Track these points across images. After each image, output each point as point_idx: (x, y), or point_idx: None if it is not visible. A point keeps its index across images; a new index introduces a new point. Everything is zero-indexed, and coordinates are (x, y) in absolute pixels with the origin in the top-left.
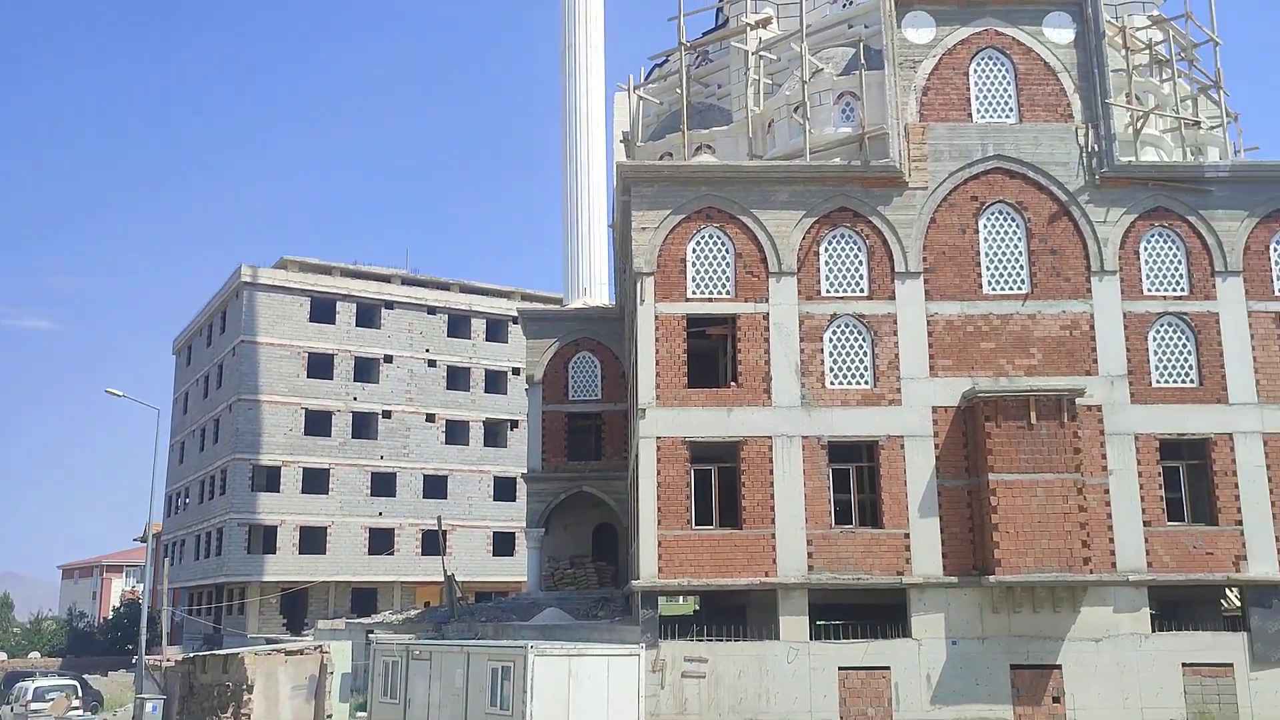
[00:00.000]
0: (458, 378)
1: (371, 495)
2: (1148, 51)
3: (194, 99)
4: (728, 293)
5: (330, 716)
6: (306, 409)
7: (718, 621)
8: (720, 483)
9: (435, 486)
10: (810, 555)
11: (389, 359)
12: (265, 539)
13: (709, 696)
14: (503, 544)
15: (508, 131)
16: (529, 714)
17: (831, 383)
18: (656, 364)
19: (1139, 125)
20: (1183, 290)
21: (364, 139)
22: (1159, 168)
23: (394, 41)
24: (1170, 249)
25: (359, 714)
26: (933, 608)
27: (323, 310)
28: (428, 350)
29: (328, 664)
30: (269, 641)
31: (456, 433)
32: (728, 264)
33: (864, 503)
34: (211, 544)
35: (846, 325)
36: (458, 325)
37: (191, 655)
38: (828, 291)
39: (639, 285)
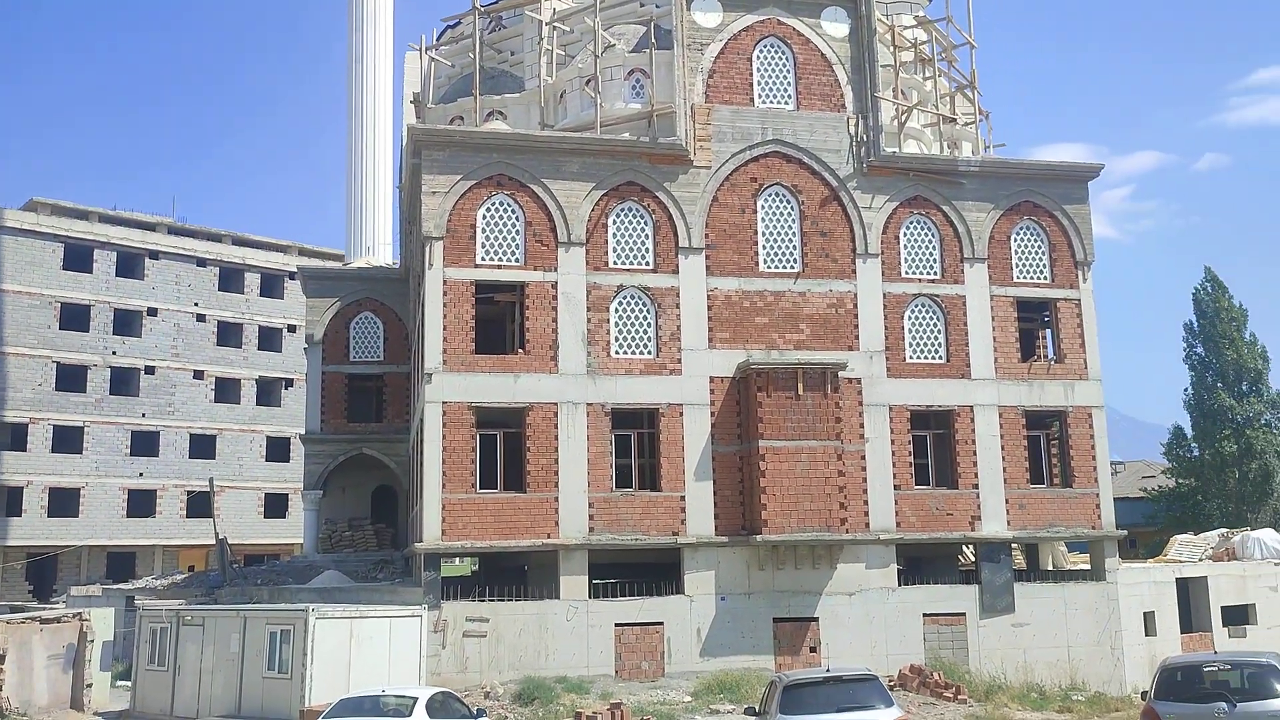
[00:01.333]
0: (229, 334)
1: (131, 455)
2: (913, 50)
3: None
4: (517, 260)
5: (90, 686)
6: (59, 363)
7: (499, 582)
8: (506, 447)
9: (203, 446)
10: (591, 517)
11: (153, 312)
12: (9, 501)
13: (490, 655)
14: (275, 505)
15: (291, 80)
16: (309, 677)
17: (616, 352)
18: (444, 329)
19: (903, 119)
20: (936, 274)
21: (128, 71)
22: (919, 159)
23: None
24: (926, 235)
25: (121, 683)
26: (704, 566)
27: (78, 258)
28: (196, 304)
29: (88, 632)
30: (13, 610)
31: (227, 391)
32: (518, 232)
33: (644, 467)
34: None
35: (632, 297)
36: (230, 279)
37: None
38: (615, 263)
39: (428, 249)
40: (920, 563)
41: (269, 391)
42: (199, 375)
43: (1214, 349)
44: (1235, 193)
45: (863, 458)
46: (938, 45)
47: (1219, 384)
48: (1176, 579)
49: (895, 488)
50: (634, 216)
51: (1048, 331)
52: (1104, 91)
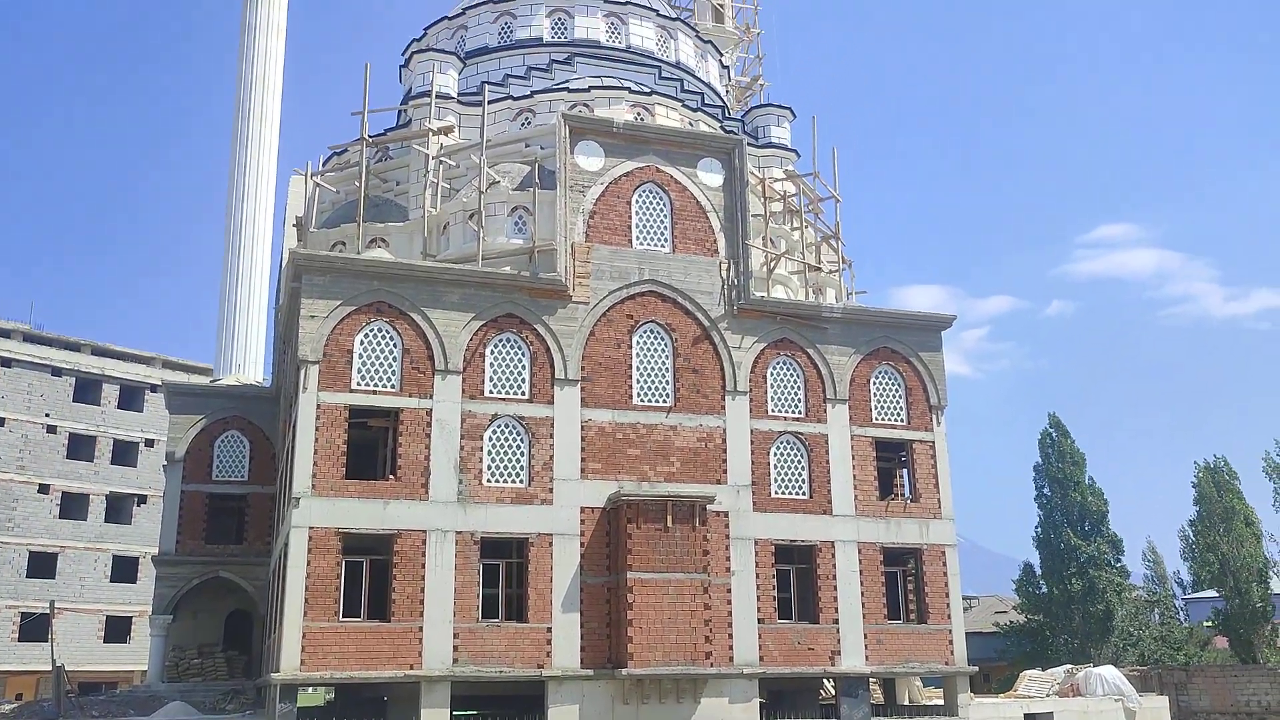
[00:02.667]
0: (81, 446)
1: None
2: (783, 201)
3: None
4: (393, 386)
5: None
6: None
7: (356, 714)
8: (372, 574)
9: (43, 565)
10: (456, 649)
11: (1, 422)
12: None
13: None
14: (117, 630)
15: (169, 191)
16: None
17: (489, 480)
18: (315, 453)
19: (772, 265)
20: (800, 413)
21: None
22: (786, 305)
23: (47, 64)
24: (792, 376)
25: None
26: (569, 699)
27: None
28: (48, 415)
29: None
30: None
31: (73, 506)
32: (395, 358)
33: (512, 597)
34: None
35: (507, 425)
36: (86, 389)
37: None
38: (491, 392)
39: (302, 372)
40: (782, 697)
41: (119, 508)
42: (44, 489)
43: (1059, 490)
44: (1080, 339)
45: (729, 591)
46: (805, 198)
47: (1065, 523)
48: (1025, 715)
49: (760, 621)
50: (512, 347)
51: (905, 471)
52: (963, 238)
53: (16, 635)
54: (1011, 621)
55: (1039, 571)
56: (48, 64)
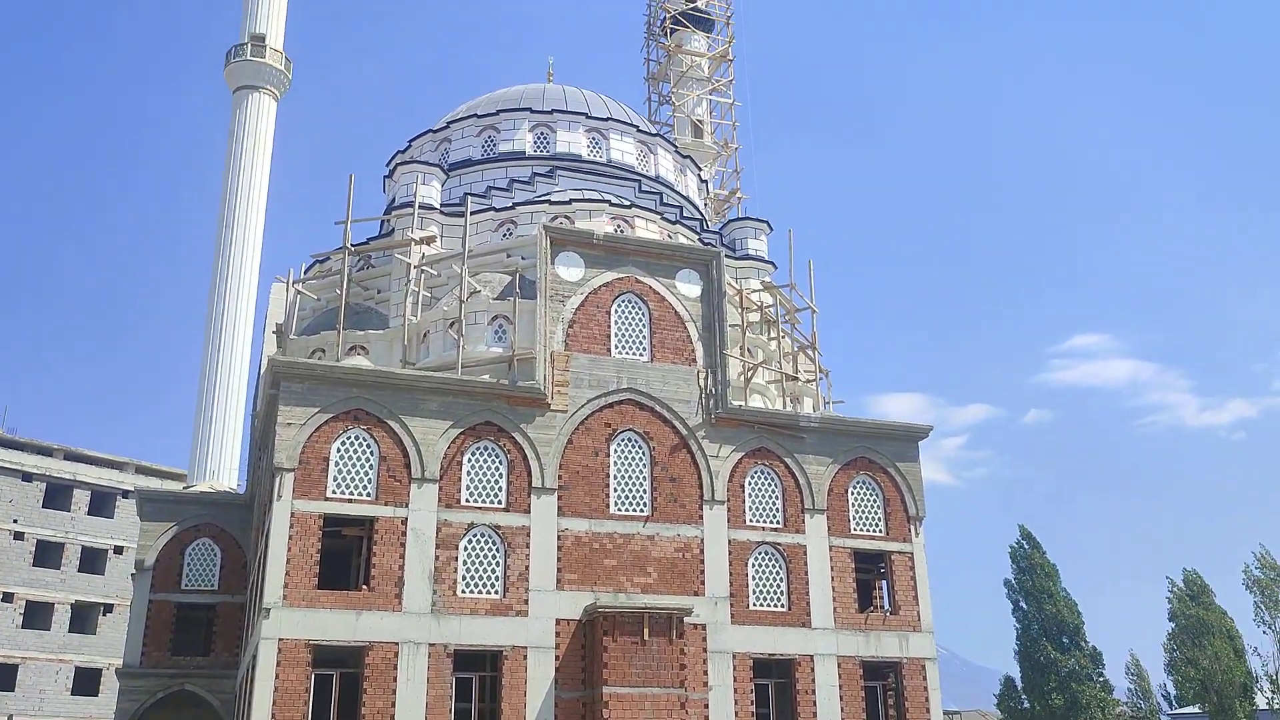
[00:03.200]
0: (48, 554)
1: None
2: (760, 312)
3: None
4: (368, 495)
5: None
6: None
7: None
8: (342, 688)
9: (2, 676)
10: None
11: None
12: None
13: None
14: None
15: (149, 295)
16: None
17: (463, 591)
18: (287, 562)
19: (750, 375)
20: (778, 523)
21: None
22: (763, 414)
23: (30, 165)
24: (770, 485)
25: None
26: None
27: None
28: (16, 521)
29: None
30: None
31: (37, 615)
32: (371, 466)
33: (484, 712)
34: None
35: (482, 535)
36: (56, 495)
37: None
38: (467, 501)
39: (278, 480)
40: None
41: (84, 618)
42: (8, 598)
43: (1034, 603)
44: (1058, 447)
45: (706, 706)
46: (782, 308)
47: (1043, 636)
48: None
49: None
50: (489, 455)
51: (884, 582)
52: (941, 346)
53: None
54: None
55: (1020, 685)
56: (30, 165)
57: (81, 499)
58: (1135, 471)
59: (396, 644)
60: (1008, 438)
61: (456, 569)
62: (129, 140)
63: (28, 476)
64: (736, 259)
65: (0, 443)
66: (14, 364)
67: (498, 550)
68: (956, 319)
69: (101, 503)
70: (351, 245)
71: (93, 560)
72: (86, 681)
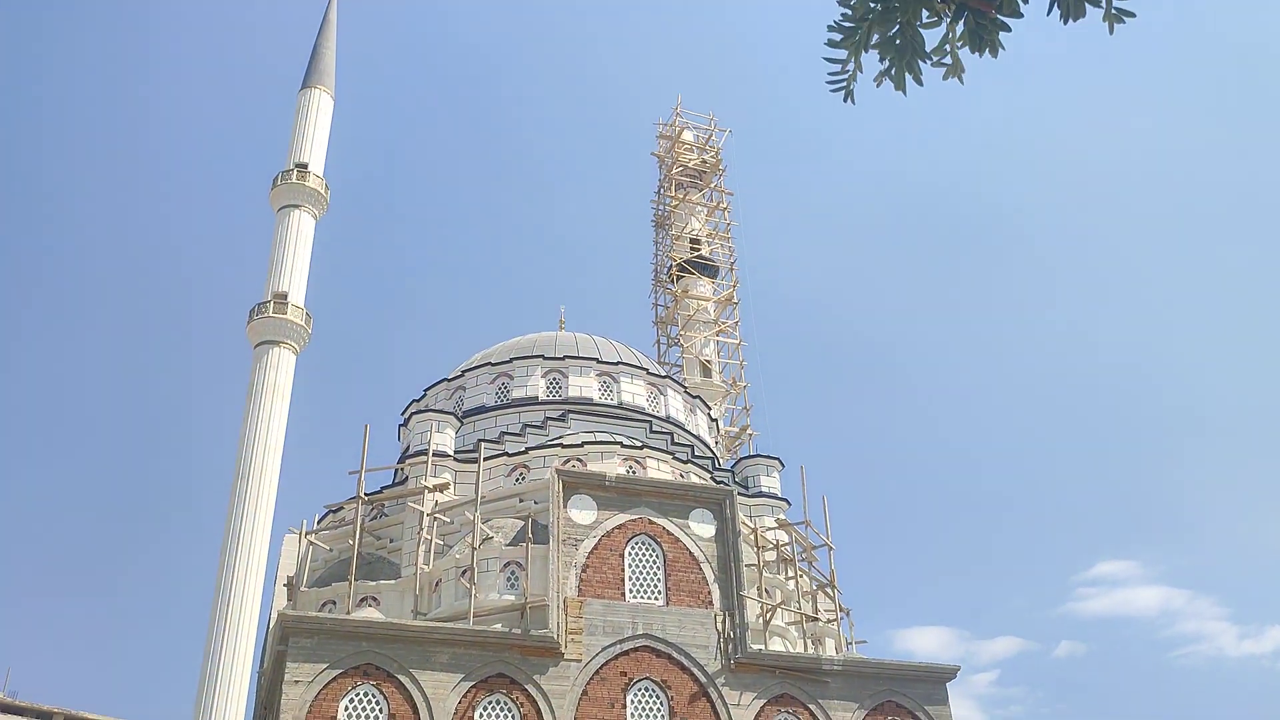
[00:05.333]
0: None
1: None
2: (776, 550)
3: None
4: None
5: None
6: None
7: None
8: None
9: None
10: None
11: None
12: None
13: None
14: None
15: (159, 550)
16: None
17: None
18: None
19: (768, 616)
20: None
21: None
22: (784, 658)
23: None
24: None
25: None
26: None
27: None
28: None
29: None
30: None
31: None
32: None
33: None
34: None
35: None
36: None
37: None
38: None
39: None
40: None
41: None
42: None
43: None
44: (1093, 681)
45: None
46: (799, 546)
47: None
48: None
49: None
50: (501, 710)
51: None
52: (964, 577)
53: None
54: None
55: None
56: (40, 422)
57: None
58: (1178, 706)
59: None
60: (1040, 672)
61: None
62: (144, 391)
63: None
64: (750, 497)
65: (2, 708)
66: (18, 624)
67: None
68: (977, 549)
69: None
70: (365, 494)
71: None
72: None
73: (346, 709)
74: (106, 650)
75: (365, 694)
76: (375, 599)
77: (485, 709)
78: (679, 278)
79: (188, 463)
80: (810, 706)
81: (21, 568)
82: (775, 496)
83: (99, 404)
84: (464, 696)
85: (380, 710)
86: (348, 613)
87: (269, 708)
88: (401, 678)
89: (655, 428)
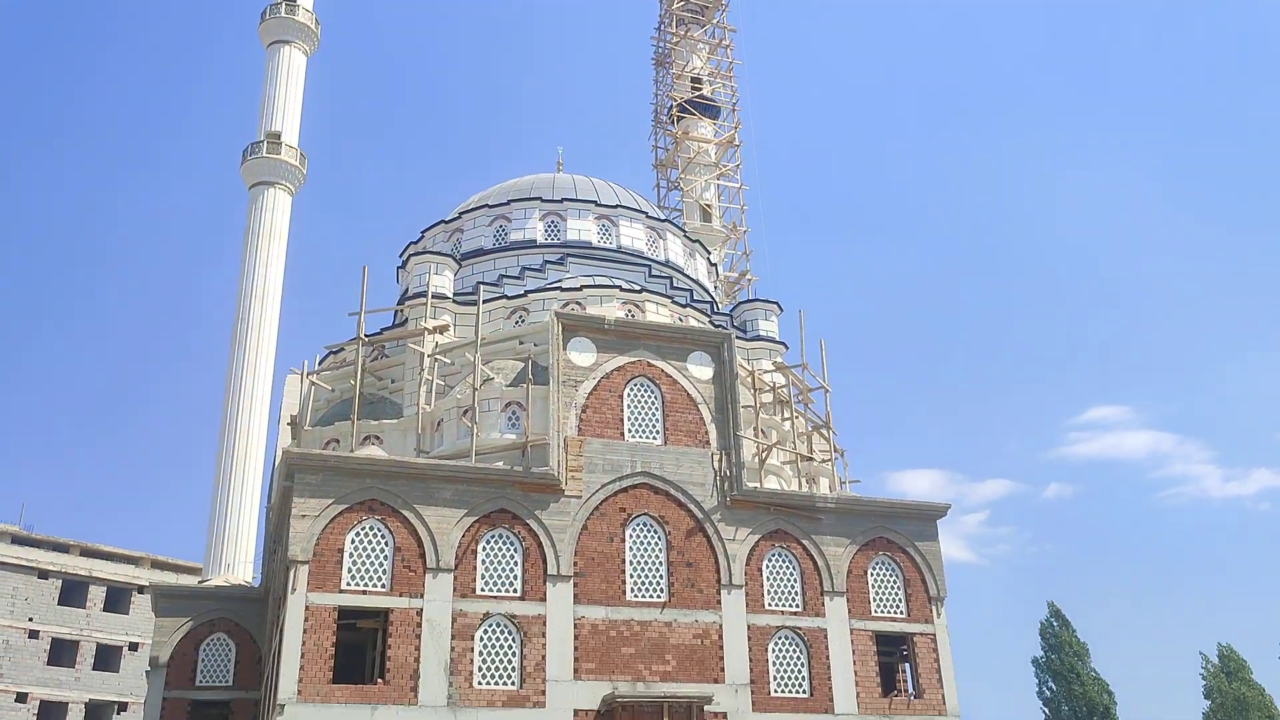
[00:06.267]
0: (63, 652)
1: None
2: (772, 392)
3: None
4: (383, 586)
5: None
6: None
7: None
8: None
9: None
10: None
11: None
12: None
13: None
14: None
15: (165, 392)
16: None
17: (479, 682)
18: (302, 656)
19: (764, 456)
20: (798, 606)
21: None
22: (779, 495)
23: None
24: (788, 568)
25: None
26: None
27: None
28: (31, 619)
29: None
30: None
31: (51, 715)
32: (386, 557)
33: None
34: None
35: (498, 625)
36: (72, 592)
37: None
38: (482, 590)
39: (292, 573)
40: None
41: (98, 717)
42: (21, 698)
43: (1063, 684)
44: (1080, 521)
45: None
46: (795, 388)
47: (1072, 718)
48: None
49: None
50: (504, 543)
51: (907, 665)
52: (957, 422)
53: None
54: None
55: None
56: (39, 259)
57: (97, 595)
58: (1161, 545)
59: None
60: (1029, 513)
61: (473, 660)
62: (142, 234)
63: (44, 574)
64: (748, 340)
65: (17, 540)
66: (30, 461)
67: (514, 640)
68: (972, 394)
69: (117, 599)
70: (365, 336)
71: (107, 658)
72: None
73: (353, 541)
74: (119, 488)
75: (371, 528)
76: (378, 438)
77: (489, 542)
78: (679, 119)
79: (190, 305)
80: (804, 542)
81: (33, 408)
82: (773, 340)
83: (100, 248)
84: (467, 530)
85: (386, 543)
86: (351, 451)
87: (278, 540)
88: (406, 513)
89: (654, 272)
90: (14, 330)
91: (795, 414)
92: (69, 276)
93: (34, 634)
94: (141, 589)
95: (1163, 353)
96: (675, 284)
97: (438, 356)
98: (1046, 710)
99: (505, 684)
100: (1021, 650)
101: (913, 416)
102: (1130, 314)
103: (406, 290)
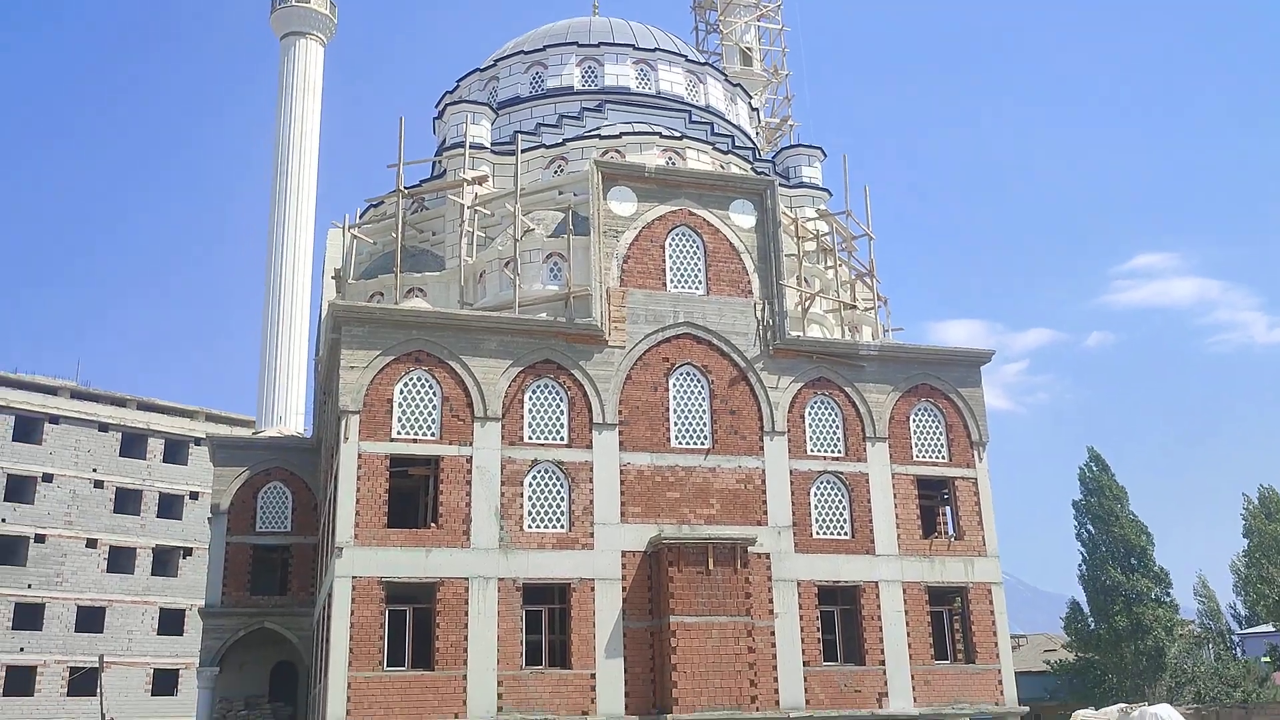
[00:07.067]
0: (128, 500)
1: (13, 629)
2: (815, 240)
3: None
4: (433, 434)
5: None
6: None
7: None
8: (415, 623)
9: (91, 619)
10: (500, 696)
11: (48, 478)
12: None
13: None
14: (164, 683)
15: (209, 246)
16: None
17: (529, 526)
18: (357, 503)
19: (807, 305)
20: (840, 452)
21: (41, 233)
22: (822, 344)
23: (93, 130)
24: (830, 415)
25: None
26: None
27: None
28: (95, 470)
29: None
30: None
31: (121, 560)
32: (434, 407)
33: (554, 643)
34: None
35: (546, 471)
36: (132, 444)
37: None
38: (530, 438)
39: (343, 423)
40: None
41: (165, 561)
42: (92, 544)
43: (1101, 526)
44: (1122, 370)
45: (772, 633)
46: (838, 236)
47: (1109, 559)
48: None
49: (804, 664)
50: (550, 393)
51: (947, 508)
52: (999, 271)
53: (66, 690)
54: (1062, 660)
55: (1087, 609)
56: (92, 128)
57: (156, 447)
58: (1204, 392)
59: (466, 579)
60: (1070, 362)
61: (522, 505)
62: (182, 88)
63: (104, 427)
64: (790, 187)
65: (76, 395)
66: (85, 319)
67: (562, 486)
68: (1015, 242)
69: (175, 451)
70: (404, 188)
71: (170, 506)
72: (171, 622)
73: (402, 391)
74: (171, 345)
75: (419, 378)
76: (421, 290)
77: (534, 392)
78: None
79: (231, 159)
80: (846, 389)
81: (86, 269)
82: (816, 187)
83: (141, 107)
84: (514, 380)
85: (434, 393)
86: (395, 303)
87: (328, 392)
88: (452, 363)
89: (694, 118)
90: (65, 196)
91: (839, 262)
92: (116, 140)
93: (99, 484)
94: (198, 441)
95: (1211, 199)
96: (716, 130)
97: (477, 208)
98: (1084, 551)
99: (554, 527)
100: (1059, 495)
101: (955, 265)
102: (1179, 158)
103: (444, 141)
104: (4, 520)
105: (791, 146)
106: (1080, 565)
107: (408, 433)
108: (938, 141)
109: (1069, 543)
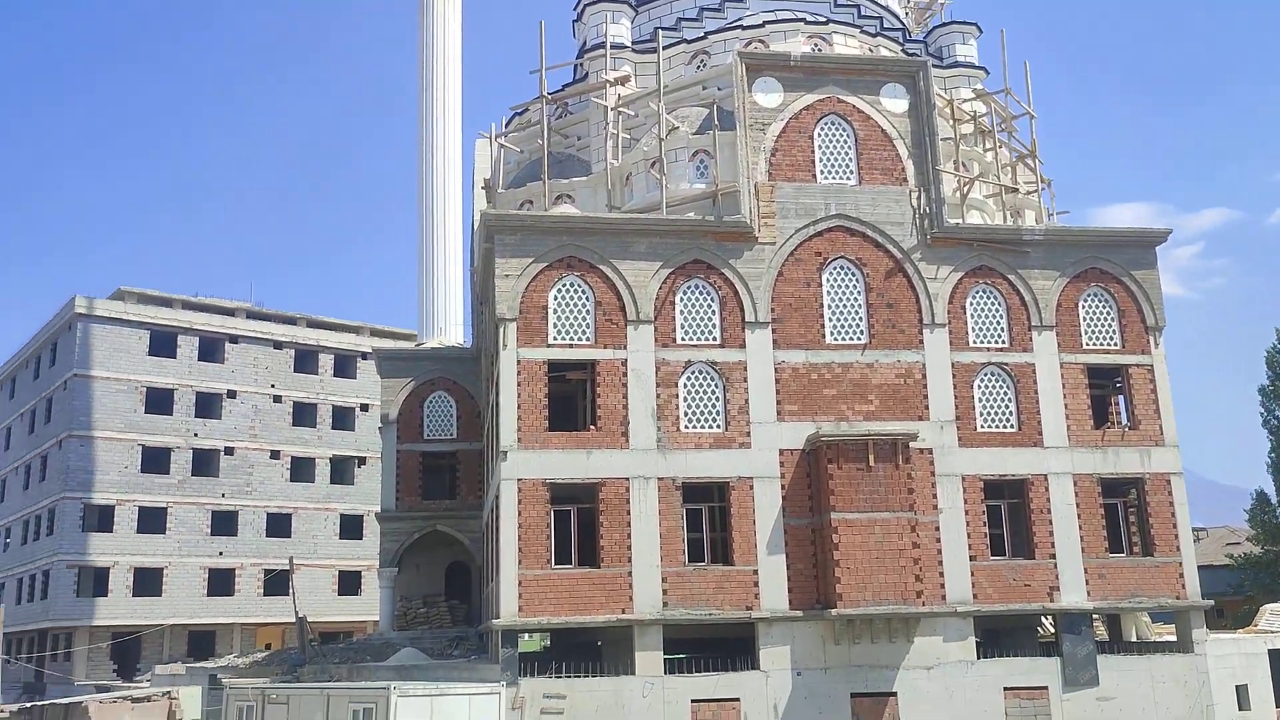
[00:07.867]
0: (304, 414)
1: (212, 535)
2: (972, 122)
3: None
4: (588, 339)
5: None
6: (144, 445)
7: (571, 658)
8: (579, 523)
9: (279, 525)
10: (665, 592)
11: (232, 394)
12: (96, 581)
13: None
14: (349, 583)
15: (363, 167)
16: None
17: (686, 426)
18: (518, 408)
19: (965, 190)
20: (1004, 343)
21: (209, 164)
22: (982, 230)
23: (248, 65)
24: (993, 304)
25: None
26: (779, 640)
27: (163, 343)
28: (273, 385)
29: (176, 710)
30: (98, 689)
31: (302, 470)
32: (588, 311)
33: (715, 541)
34: (36, 587)
35: (700, 372)
36: (305, 360)
37: (29, 704)
38: (683, 339)
39: (501, 331)
40: (999, 635)
41: (342, 470)
42: (275, 455)
43: None
44: None
45: (936, 529)
46: (997, 117)
47: None
48: (1269, 650)
49: (971, 559)
50: (700, 293)
51: (1120, 398)
52: (1169, 149)
53: (261, 590)
54: (1246, 554)
55: (1274, 499)
56: (241, 54)
57: (326, 363)
58: None
59: (627, 479)
60: (1249, 242)
61: (678, 406)
62: (329, 17)
63: (278, 345)
64: (944, 68)
65: (251, 315)
66: (256, 244)
67: (716, 386)
68: (1184, 117)
69: (344, 365)
70: (547, 94)
71: (343, 418)
72: (351, 526)
73: (556, 297)
74: (335, 265)
75: (571, 284)
76: (570, 196)
77: (685, 292)
78: None
79: (376, 79)
80: (1009, 277)
81: (252, 194)
82: (972, 66)
83: (287, 30)
84: (664, 282)
85: (587, 298)
86: (545, 210)
87: (485, 301)
88: (603, 268)
89: (840, 1)
90: (225, 128)
91: (998, 144)
92: (267, 62)
93: (278, 399)
94: (365, 356)
95: None
96: (863, 13)
97: (621, 109)
98: (1274, 439)
99: (711, 427)
100: (1236, 386)
101: (1121, 144)
102: None
103: (584, 43)
104: (196, 435)
105: (944, 24)
106: (1270, 454)
107: (563, 338)
108: (1101, 8)
109: (1248, 434)
